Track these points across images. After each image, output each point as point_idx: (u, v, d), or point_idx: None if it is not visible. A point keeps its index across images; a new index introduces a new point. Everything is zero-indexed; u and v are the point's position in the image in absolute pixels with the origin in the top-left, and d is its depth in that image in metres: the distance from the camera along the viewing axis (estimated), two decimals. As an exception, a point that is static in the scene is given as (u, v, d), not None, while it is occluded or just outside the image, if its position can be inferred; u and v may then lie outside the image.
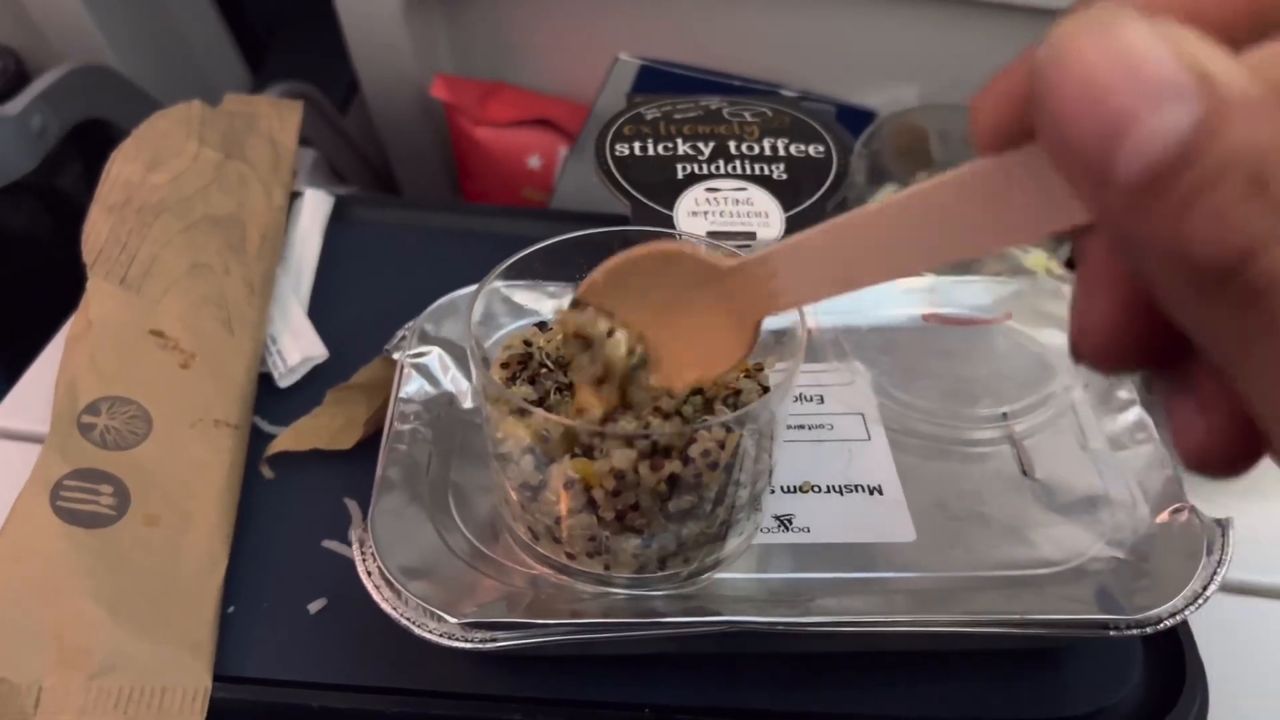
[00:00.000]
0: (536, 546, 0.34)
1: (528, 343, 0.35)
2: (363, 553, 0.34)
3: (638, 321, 0.29)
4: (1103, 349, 0.18)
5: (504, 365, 0.35)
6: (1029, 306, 0.43)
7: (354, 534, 0.35)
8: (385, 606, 0.33)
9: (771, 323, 0.39)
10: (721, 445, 0.31)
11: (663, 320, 0.28)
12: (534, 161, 0.69)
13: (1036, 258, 0.43)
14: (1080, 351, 0.19)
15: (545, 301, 0.41)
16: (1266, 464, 0.44)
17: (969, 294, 0.44)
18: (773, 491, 0.37)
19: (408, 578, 0.33)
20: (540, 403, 0.33)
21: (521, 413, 0.31)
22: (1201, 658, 0.36)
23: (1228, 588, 0.41)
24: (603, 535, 0.32)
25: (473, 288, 0.43)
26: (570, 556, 0.34)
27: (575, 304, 0.29)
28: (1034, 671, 0.36)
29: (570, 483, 0.31)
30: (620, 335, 0.29)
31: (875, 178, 0.50)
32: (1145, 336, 0.18)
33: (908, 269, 0.22)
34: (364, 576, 0.34)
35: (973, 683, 0.35)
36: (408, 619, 0.33)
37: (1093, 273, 0.18)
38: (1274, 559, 0.42)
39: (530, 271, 0.37)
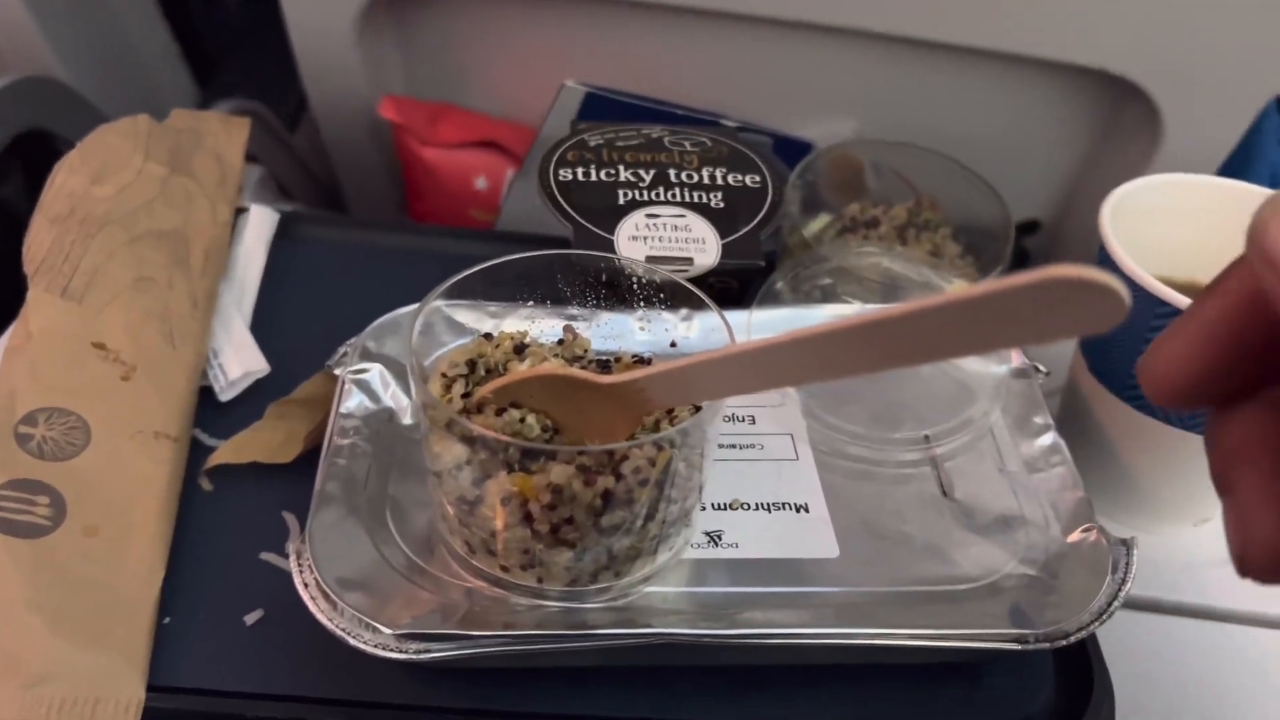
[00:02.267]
0: (472, 560, 0.35)
1: (471, 362, 0.36)
2: (300, 564, 0.35)
3: (541, 405, 0.34)
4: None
5: (444, 374, 0.36)
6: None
7: (291, 546, 0.35)
8: (321, 617, 0.34)
9: (705, 339, 0.41)
10: (653, 462, 0.32)
11: (562, 406, 0.34)
12: (480, 183, 0.70)
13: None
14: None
15: (486, 321, 0.42)
16: (1167, 493, 0.46)
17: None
18: (703, 508, 0.38)
19: (344, 589, 0.34)
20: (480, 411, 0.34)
21: (460, 431, 0.32)
22: (1109, 671, 0.37)
23: (1133, 605, 0.43)
24: (536, 549, 0.33)
25: (415, 306, 0.44)
26: (504, 569, 0.34)
27: (479, 407, 0.34)
28: (952, 684, 0.37)
29: (508, 497, 0.32)
30: (531, 419, 0.34)
31: (809, 208, 0.52)
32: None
33: (738, 394, 0.31)
34: (300, 588, 0.34)
35: (893, 695, 0.37)
36: (343, 629, 0.33)
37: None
38: (1176, 578, 0.44)
39: (471, 291, 0.38)
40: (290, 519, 0.41)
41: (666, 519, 0.34)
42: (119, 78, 0.76)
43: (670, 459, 0.32)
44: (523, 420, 0.34)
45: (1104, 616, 0.35)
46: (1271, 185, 0.58)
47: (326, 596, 0.34)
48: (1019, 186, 0.55)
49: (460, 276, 0.37)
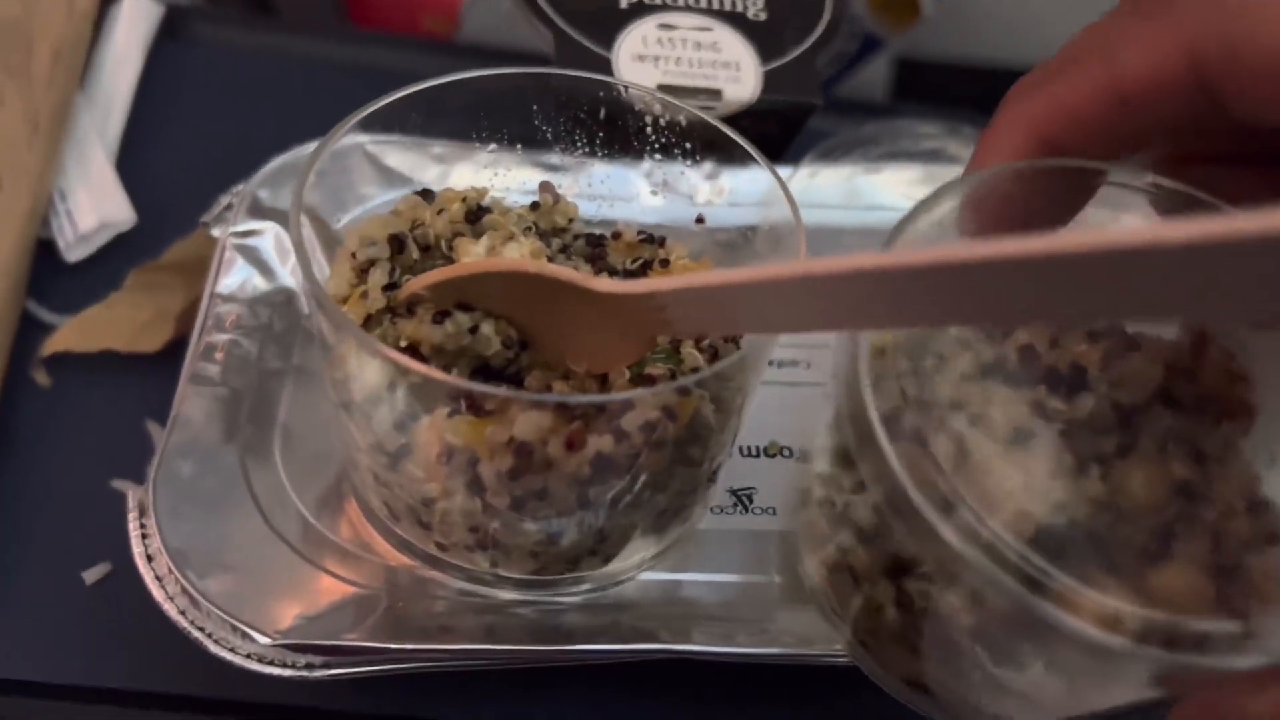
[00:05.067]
0: (395, 528, 0.24)
1: (398, 238, 0.24)
2: (143, 527, 0.24)
3: (504, 310, 0.23)
4: None
5: (354, 255, 0.24)
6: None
7: (132, 496, 0.25)
8: (170, 610, 0.23)
9: (741, 216, 0.30)
10: (671, 413, 0.21)
11: (535, 314, 0.23)
12: (436, -18, 0.57)
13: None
14: None
15: (428, 167, 0.31)
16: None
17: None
18: (729, 454, 0.28)
19: (205, 569, 0.23)
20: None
21: (371, 351, 0.21)
22: None
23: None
24: (490, 526, 0.22)
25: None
26: (442, 548, 0.24)
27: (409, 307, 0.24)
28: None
29: (448, 453, 0.21)
30: (488, 328, 0.23)
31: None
32: None
33: (805, 331, 0.25)
34: (141, 562, 0.24)
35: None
36: (201, 631, 0.23)
37: None
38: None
39: (408, 123, 0.27)
40: (155, 431, 0.31)
41: (684, 488, 0.23)
42: None
43: (695, 409, 0.21)
44: (475, 330, 0.23)
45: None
46: None
47: (177, 580, 0.23)
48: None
49: (389, 100, 0.26)
